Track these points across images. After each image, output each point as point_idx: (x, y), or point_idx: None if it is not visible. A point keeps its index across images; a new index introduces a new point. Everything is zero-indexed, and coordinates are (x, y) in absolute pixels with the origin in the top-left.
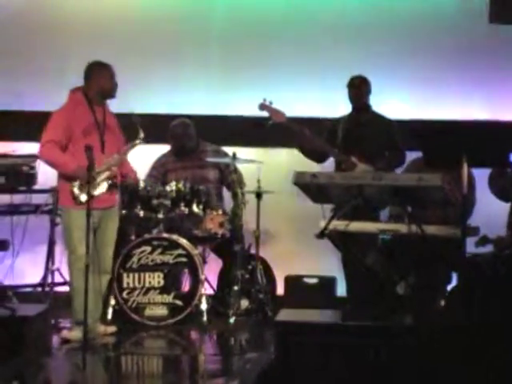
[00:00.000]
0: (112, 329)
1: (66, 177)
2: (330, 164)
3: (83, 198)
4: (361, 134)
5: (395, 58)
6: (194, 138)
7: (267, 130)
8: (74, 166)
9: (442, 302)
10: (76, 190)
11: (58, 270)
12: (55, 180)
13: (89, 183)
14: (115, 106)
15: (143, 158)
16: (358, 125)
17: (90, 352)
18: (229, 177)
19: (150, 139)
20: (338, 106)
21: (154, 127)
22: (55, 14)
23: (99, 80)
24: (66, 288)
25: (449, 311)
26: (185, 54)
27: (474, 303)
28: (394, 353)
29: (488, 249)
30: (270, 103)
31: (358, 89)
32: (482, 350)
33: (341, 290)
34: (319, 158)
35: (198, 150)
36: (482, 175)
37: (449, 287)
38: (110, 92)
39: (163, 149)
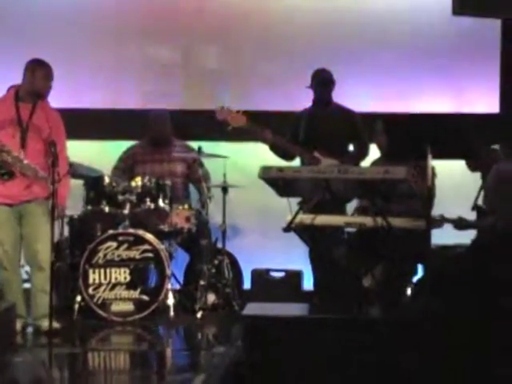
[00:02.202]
0: (56, 325)
1: None
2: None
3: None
4: (323, 127)
5: (358, 50)
6: (170, 131)
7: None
8: None
9: (408, 294)
10: None
11: (23, 266)
12: None
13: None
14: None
15: (107, 152)
16: (320, 118)
17: (57, 348)
18: (196, 172)
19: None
20: (303, 99)
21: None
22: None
23: (30, 78)
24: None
25: (415, 303)
26: (153, 48)
27: (440, 295)
28: (361, 345)
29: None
30: (228, 108)
31: (327, 86)
32: (448, 342)
33: (307, 283)
34: (288, 156)
35: (169, 143)
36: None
37: (414, 279)
38: (39, 92)
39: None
